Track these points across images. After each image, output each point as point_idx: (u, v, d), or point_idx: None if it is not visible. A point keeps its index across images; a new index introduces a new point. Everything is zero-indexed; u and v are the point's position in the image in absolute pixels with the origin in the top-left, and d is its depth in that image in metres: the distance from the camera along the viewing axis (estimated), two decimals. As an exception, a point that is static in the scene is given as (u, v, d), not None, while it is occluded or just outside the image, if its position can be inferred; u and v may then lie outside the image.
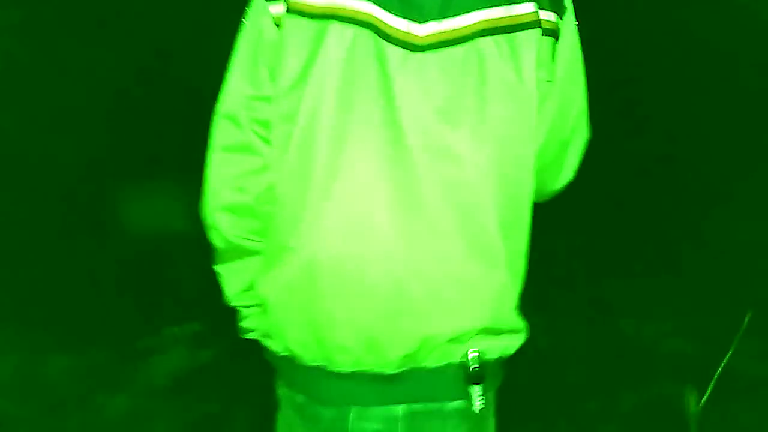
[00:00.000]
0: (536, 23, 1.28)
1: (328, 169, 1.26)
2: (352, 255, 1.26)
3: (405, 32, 1.25)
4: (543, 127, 1.35)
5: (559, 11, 1.33)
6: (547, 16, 1.30)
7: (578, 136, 1.45)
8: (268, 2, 1.30)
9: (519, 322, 1.36)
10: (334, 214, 1.26)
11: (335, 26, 1.25)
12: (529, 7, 1.28)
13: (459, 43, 1.25)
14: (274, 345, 1.36)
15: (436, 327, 1.27)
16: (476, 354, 1.28)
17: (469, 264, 1.27)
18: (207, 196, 1.38)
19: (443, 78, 1.25)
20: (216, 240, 1.40)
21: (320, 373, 1.31)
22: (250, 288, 1.40)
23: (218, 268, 1.43)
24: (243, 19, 1.35)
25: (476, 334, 1.29)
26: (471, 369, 1.27)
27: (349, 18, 1.25)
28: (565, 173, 1.48)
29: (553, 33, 1.31)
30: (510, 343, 1.34)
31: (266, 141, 1.32)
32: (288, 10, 1.27)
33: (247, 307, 1.42)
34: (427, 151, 1.25)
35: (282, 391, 1.43)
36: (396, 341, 1.27)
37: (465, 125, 1.25)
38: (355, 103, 1.25)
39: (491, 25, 1.26)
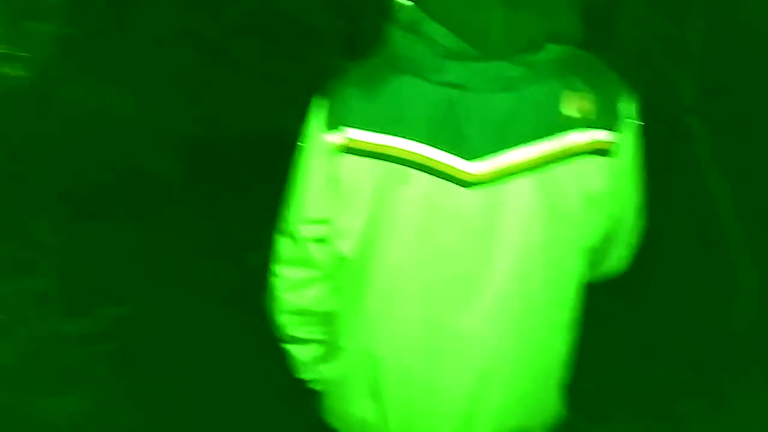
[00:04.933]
0: (585, 150, 1.29)
1: (387, 278, 1.36)
2: (416, 358, 1.37)
3: (457, 169, 1.28)
4: (600, 231, 1.40)
5: (613, 124, 1.30)
6: (598, 135, 1.29)
7: (636, 230, 1.50)
8: (327, 131, 1.34)
9: (563, 408, 1.50)
10: (391, 320, 1.38)
11: (391, 165, 1.30)
12: (578, 137, 1.28)
13: (512, 174, 1.28)
14: (338, 424, 1.51)
15: (508, 425, 1.40)
16: None
17: (535, 371, 1.40)
18: (273, 301, 1.57)
19: (498, 209, 1.29)
20: (283, 335, 1.60)
21: None
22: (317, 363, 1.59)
23: (287, 347, 1.62)
24: (300, 143, 1.42)
25: (540, 429, 1.46)
26: None
27: (403, 160, 1.29)
28: (626, 263, 1.56)
29: (603, 152, 1.30)
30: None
31: (322, 256, 1.45)
32: (348, 149, 1.32)
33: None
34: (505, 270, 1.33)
35: None
36: None
37: (516, 252, 1.31)
38: (417, 235, 1.32)
39: (541, 161, 1.28)
